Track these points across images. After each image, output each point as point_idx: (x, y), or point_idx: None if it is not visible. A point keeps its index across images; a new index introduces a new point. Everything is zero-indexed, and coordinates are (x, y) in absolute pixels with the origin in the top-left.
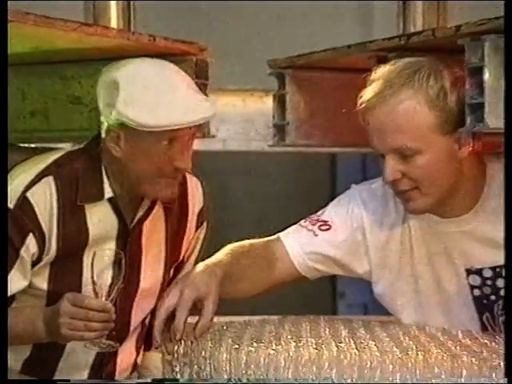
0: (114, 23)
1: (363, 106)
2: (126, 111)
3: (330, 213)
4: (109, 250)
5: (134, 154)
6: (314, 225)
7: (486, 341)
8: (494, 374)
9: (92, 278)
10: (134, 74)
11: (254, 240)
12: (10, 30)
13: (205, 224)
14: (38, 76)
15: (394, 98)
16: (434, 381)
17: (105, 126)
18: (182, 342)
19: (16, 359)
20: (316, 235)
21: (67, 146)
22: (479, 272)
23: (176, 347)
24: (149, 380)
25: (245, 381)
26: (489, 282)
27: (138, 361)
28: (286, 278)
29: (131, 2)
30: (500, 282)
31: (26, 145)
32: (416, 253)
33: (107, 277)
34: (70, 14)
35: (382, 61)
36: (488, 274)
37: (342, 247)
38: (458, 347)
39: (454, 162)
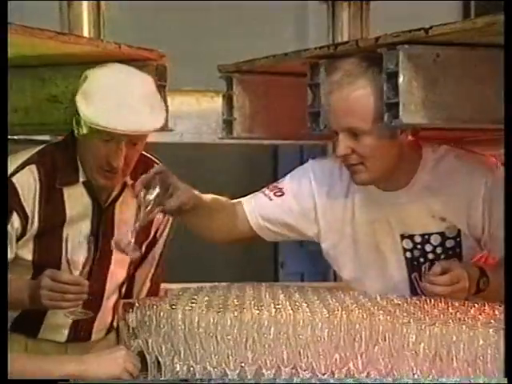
0: (85, 31)
1: (325, 90)
2: (80, 102)
3: (286, 182)
4: (81, 233)
5: (85, 142)
6: (270, 191)
7: (398, 302)
8: (404, 330)
9: (66, 256)
10: (102, 74)
11: (227, 200)
12: None
13: None
14: (20, 78)
15: (351, 86)
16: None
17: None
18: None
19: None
20: (271, 200)
21: (45, 138)
22: (411, 237)
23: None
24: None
25: (197, 338)
26: (418, 247)
27: (114, 324)
28: (244, 235)
29: (101, 12)
30: (427, 247)
31: (10, 137)
32: (357, 219)
33: (80, 256)
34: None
35: (314, 66)
36: (418, 239)
37: (292, 212)
38: (375, 307)
39: (395, 145)
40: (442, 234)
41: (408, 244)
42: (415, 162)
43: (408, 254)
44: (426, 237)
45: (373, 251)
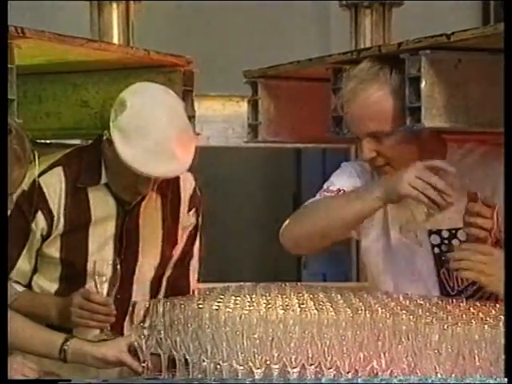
0: (115, 37)
1: (342, 99)
2: (115, 137)
3: (339, 182)
4: (106, 234)
5: (115, 164)
6: (332, 193)
7: (421, 302)
8: (427, 329)
9: (94, 278)
10: (140, 108)
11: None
12: (29, 45)
13: (194, 209)
14: (52, 83)
15: (365, 92)
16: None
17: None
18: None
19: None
20: None
21: (76, 142)
22: (439, 233)
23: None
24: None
25: (223, 337)
26: (446, 242)
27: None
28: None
29: (130, 19)
30: (455, 242)
31: (42, 141)
32: (389, 217)
33: (104, 255)
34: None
35: (338, 71)
36: (446, 234)
37: None
38: (398, 307)
39: (419, 142)
40: None
41: (436, 239)
42: (439, 159)
43: (436, 250)
44: (453, 231)
45: (402, 248)
